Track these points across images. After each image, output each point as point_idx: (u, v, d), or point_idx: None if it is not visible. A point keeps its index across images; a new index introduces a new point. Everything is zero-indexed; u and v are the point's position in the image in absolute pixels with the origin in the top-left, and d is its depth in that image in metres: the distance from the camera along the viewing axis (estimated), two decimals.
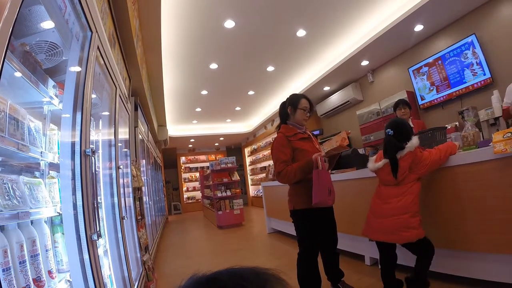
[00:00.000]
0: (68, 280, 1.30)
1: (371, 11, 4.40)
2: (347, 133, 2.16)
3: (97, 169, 1.98)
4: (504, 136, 1.76)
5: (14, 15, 0.81)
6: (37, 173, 1.41)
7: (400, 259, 2.21)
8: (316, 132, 7.16)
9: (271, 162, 9.80)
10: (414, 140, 2.03)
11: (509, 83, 3.04)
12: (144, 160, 5.08)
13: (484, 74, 4.07)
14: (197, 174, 12.87)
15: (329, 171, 2.29)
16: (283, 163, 2.18)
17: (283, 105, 2.42)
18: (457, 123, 4.17)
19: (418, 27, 4.51)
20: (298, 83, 7.09)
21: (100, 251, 1.75)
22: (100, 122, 2.32)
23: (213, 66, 5.67)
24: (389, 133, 2.09)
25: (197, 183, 12.92)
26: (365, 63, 5.78)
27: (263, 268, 0.45)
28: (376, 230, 2.12)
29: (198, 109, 8.59)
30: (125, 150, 3.16)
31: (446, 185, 2.18)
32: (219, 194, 7.00)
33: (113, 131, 2.28)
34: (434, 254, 2.02)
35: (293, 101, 2.36)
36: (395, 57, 5.59)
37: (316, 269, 2.21)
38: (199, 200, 12.31)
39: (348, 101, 6.68)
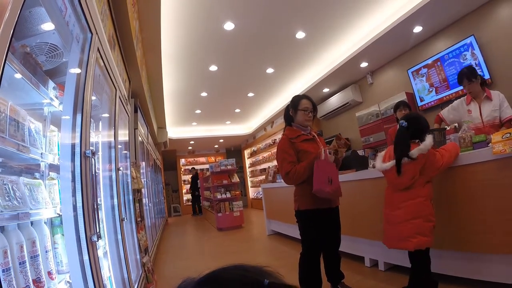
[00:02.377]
0: (68, 281, 1.30)
1: (370, 13, 4.42)
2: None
3: (97, 171, 1.98)
4: (503, 137, 1.77)
5: (15, 17, 0.82)
6: (37, 174, 1.41)
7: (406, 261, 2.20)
8: None
9: (271, 164, 9.80)
10: (428, 141, 1.89)
11: (508, 84, 3.05)
12: (143, 162, 5.08)
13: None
14: None
15: (334, 164, 2.25)
16: (290, 164, 2.19)
17: (287, 108, 2.43)
18: (456, 125, 4.17)
19: (417, 29, 4.52)
20: (297, 84, 7.10)
21: (100, 252, 1.74)
22: (100, 124, 2.32)
23: (213, 68, 5.68)
24: (403, 124, 1.97)
25: None
26: (364, 64, 5.79)
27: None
28: (390, 238, 2.06)
29: (198, 111, 8.60)
30: (125, 152, 3.16)
31: (445, 186, 2.18)
32: (219, 196, 6.99)
33: (113, 133, 2.28)
34: (429, 272, 1.97)
35: (294, 103, 2.36)
36: (394, 58, 5.60)
37: (318, 269, 2.21)
38: None
39: (348, 102, 6.68)
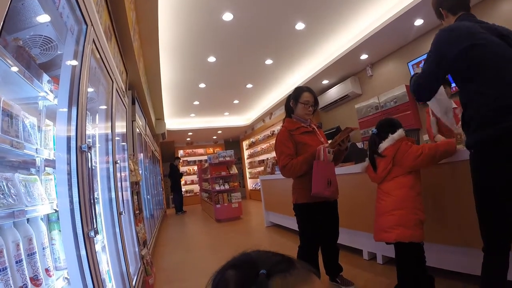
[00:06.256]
0: (66, 278, 1.29)
1: (371, 5, 4.35)
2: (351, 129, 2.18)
3: (94, 164, 1.96)
4: None
5: (5, 8, 0.79)
6: (32, 170, 1.40)
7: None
8: None
9: (269, 156, 9.81)
10: (396, 134, 1.97)
11: None
12: (142, 154, 5.06)
13: None
14: (195, 168, 12.88)
15: (332, 162, 2.22)
16: (288, 157, 2.17)
17: (289, 98, 2.40)
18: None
19: (418, 21, 4.46)
20: (296, 76, 7.04)
21: (98, 246, 1.74)
22: (97, 116, 2.29)
23: (211, 59, 5.61)
24: (373, 131, 2.11)
25: (195, 176, 12.93)
26: (364, 57, 5.74)
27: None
28: (375, 230, 2.07)
29: (196, 102, 8.54)
30: (123, 144, 3.14)
31: (445, 181, 2.18)
32: (217, 188, 7.00)
33: (110, 125, 2.26)
34: (422, 272, 1.90)
35: (295, 95, 2.33)
36: (394, 51, 5.55)
37: (316, 263, 2.22)
38: (197, 194, 12.34)
39: (347, 95, 6.65)
